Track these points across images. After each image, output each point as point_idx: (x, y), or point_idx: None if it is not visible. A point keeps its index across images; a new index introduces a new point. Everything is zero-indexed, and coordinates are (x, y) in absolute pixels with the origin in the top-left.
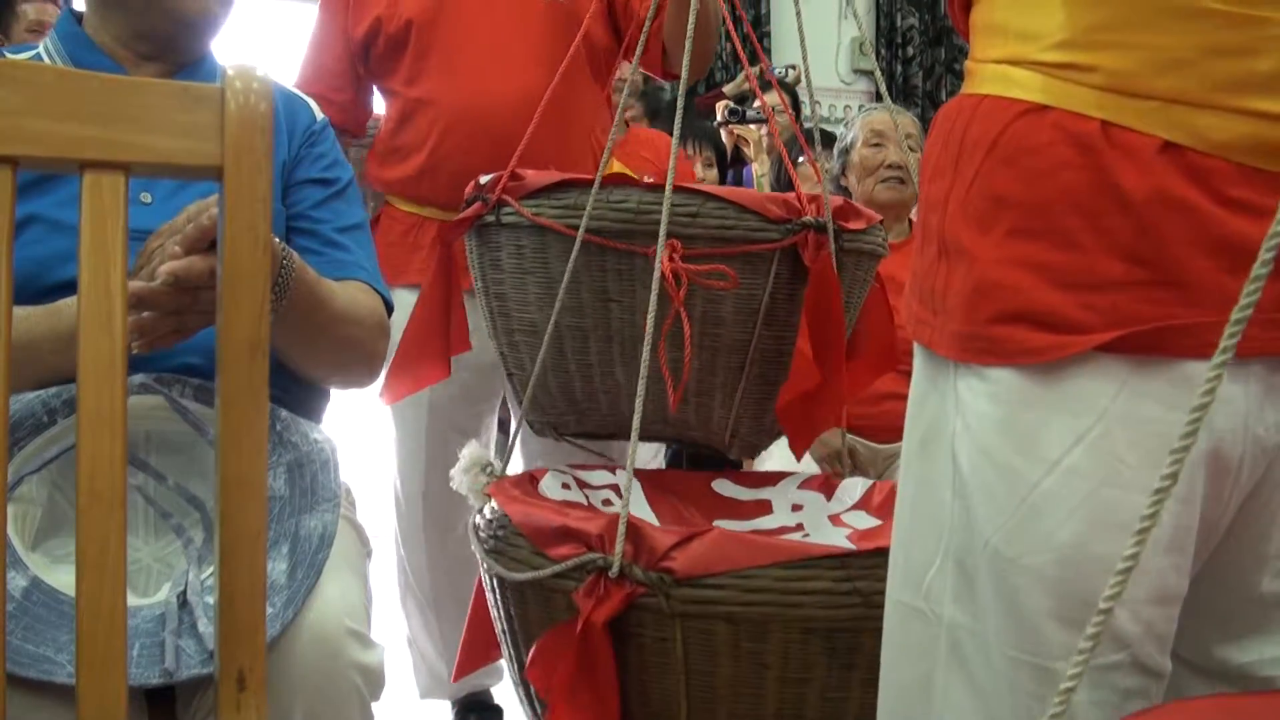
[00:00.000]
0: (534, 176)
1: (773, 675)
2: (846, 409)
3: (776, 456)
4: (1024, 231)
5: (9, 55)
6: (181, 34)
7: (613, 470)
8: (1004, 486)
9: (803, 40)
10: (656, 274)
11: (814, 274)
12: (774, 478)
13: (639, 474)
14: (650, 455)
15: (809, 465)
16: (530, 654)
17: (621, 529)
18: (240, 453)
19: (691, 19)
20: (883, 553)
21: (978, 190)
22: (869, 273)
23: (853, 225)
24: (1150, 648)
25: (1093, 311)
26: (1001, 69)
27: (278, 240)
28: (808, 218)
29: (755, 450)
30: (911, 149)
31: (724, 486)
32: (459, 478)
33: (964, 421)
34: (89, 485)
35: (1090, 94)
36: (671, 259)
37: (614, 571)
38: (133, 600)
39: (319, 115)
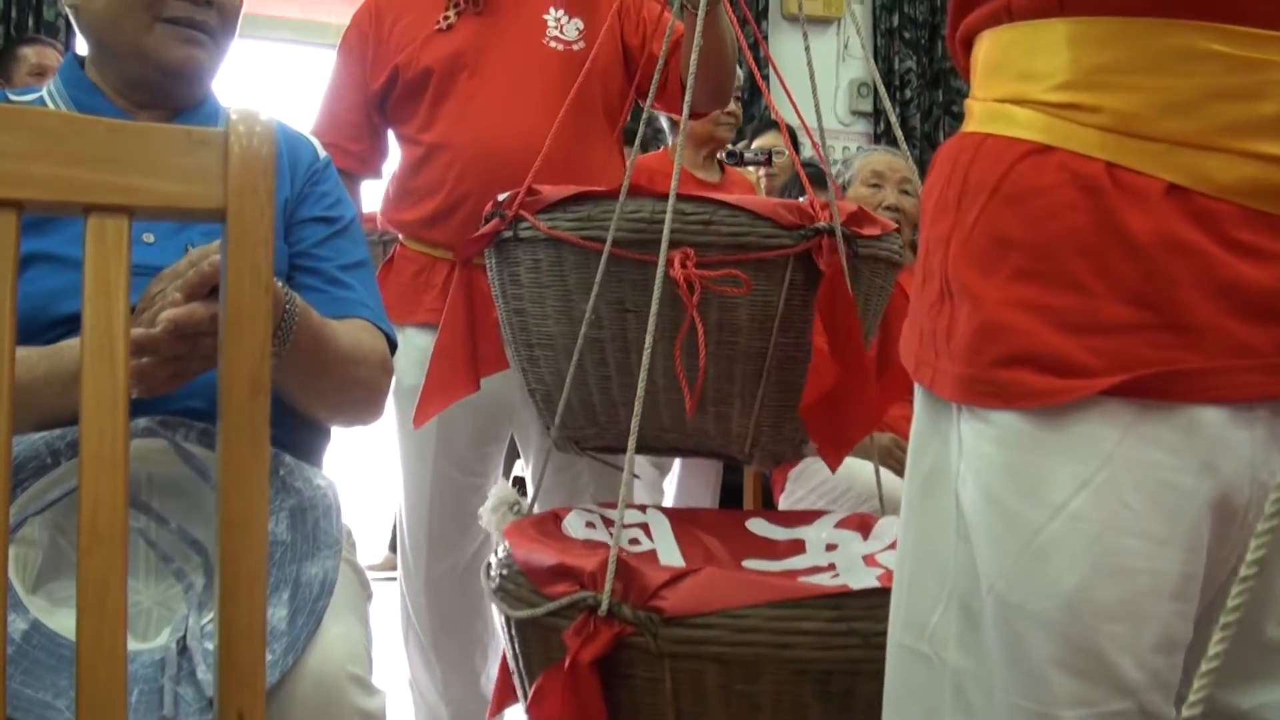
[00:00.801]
0: (550, 191)
1: (765, 718)
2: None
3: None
4: (1028, 273)
5: (12, 98)
6: (171, 83)
7: (643, 509)
8: (1007, 531)
9: (813, 78)
10: (659, 280)
11: (826, 278)
12: (810, 516)
13: (671, 512)
14: (651, 481)
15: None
16: (530, 693)
17: (611, 566)
18: (241, 493)
19: (695, 50)
20: (882, 593)
21: (981, 231)
22: (887, 280)
23: (867, 231)
24: (1156, 696)
25: (1098, 355)
26: (1004, 108)
27: (280, 284)
28: (821, 223)
29: (778, 460)
30: (906, 193)
31: (758, 525)
32: (487, 516)
33: (967, 464)
34: (91, 525)
35: (1094, 135)
36: (685, 266)
37: (603, 610)
38: (132, 645)
39: (321, 153)
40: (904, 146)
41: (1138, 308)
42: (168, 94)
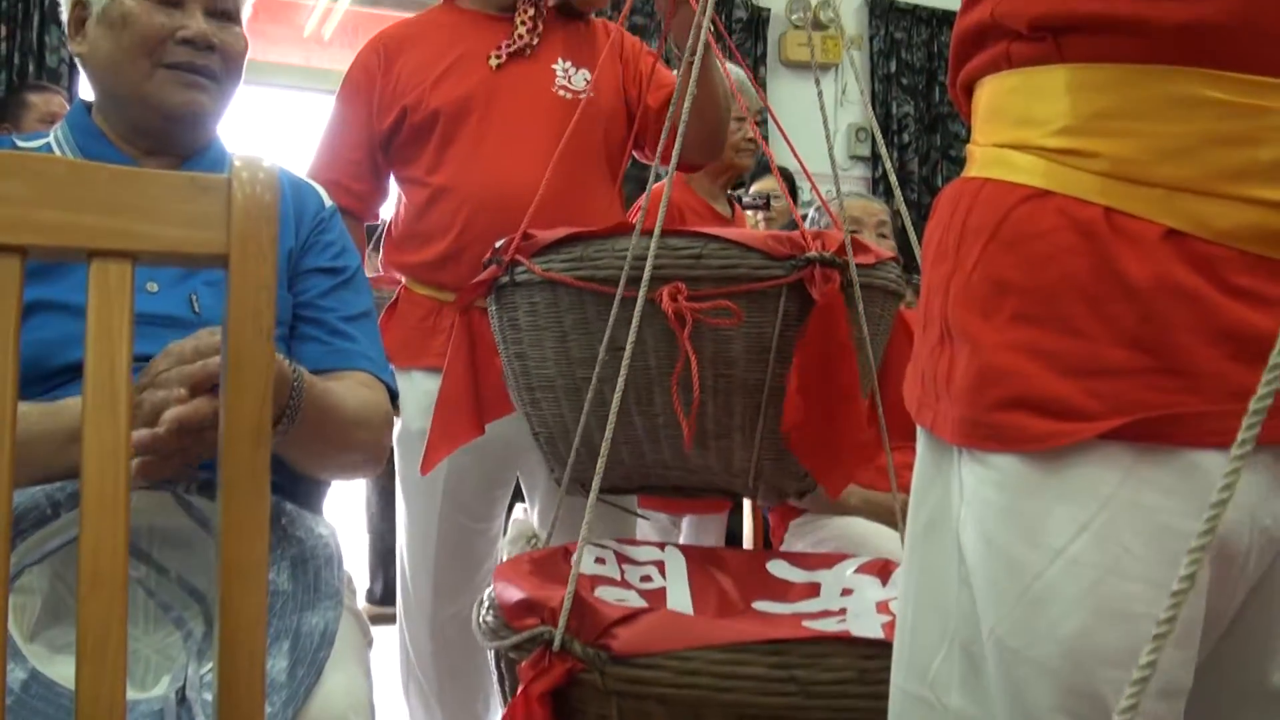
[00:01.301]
0: (544, 234)
1: None
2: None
3: None
4: (1027, 317)
5: (21, 144)
6: (173, 129)
7: (661, 546)
8: (1007, 576)
9: (826, 122)
10: (637, 314)
11: (819, 308)
12: (831, 560)
13: (690, 550)
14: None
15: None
16: None
17: (566, 603)
18: (241, 540)
19: (689, 98)
20: (825, 642)
21: (980, 275)
22: (886, 311)
23: (861, 259)
24: None
25: (1096, 398)
26: (1003, 153)
27: (287, 361)
28: (813, 253)
29: (782, 494)
30: (884, 235)
31: (778, 567)
32: (508, 549)
33: (968, 508)
34: (91, 571)
35: (1093, 180)
36: (675, 299)
37: (556, 645)
38: (131, 693)
39: (327, 202)
40: (898, 193)
41: (1136, 351)
42: (171, 139)
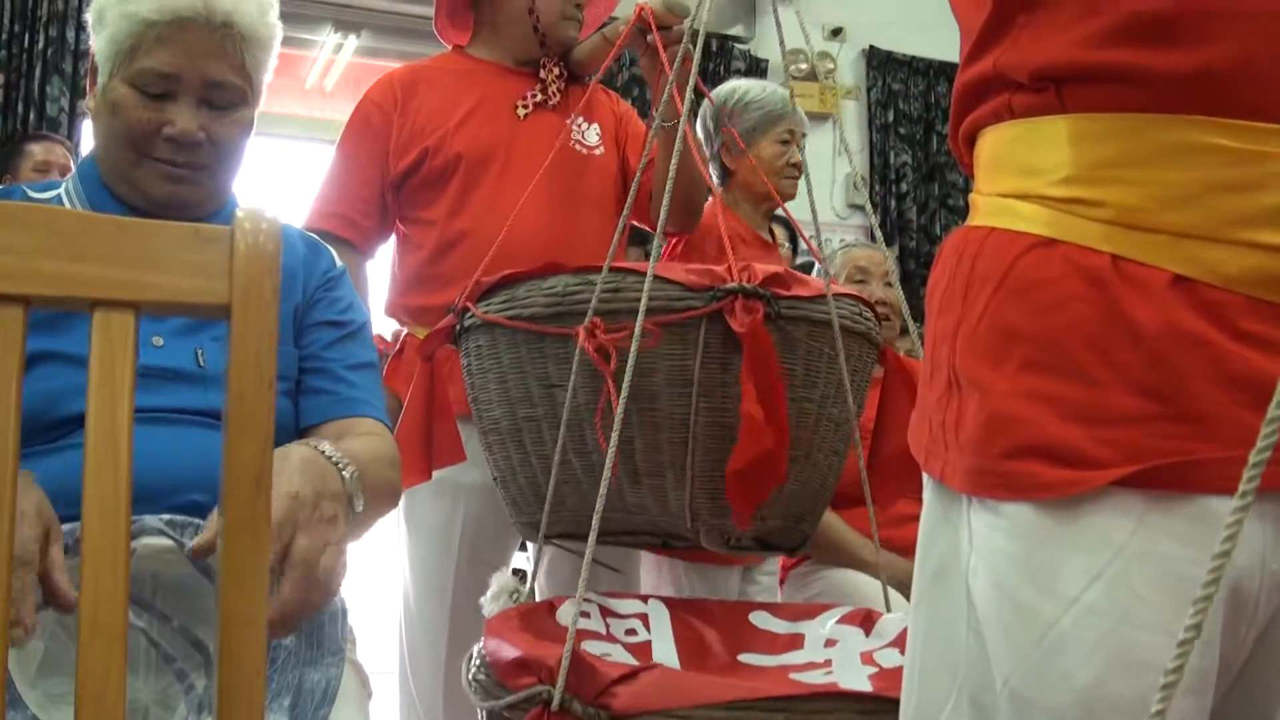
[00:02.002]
0: (487, 279)
1: None
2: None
3: None
4: (1036, 365)
5: (33, 195)
6: (161, 213)
7: (644, 599)
8: (1021, 625)
9: (808, 177)
10: (575, 356)
11: (744, 339)
12: (815, 610)
13: (673, 603)
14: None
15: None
16: None
17: (565, 661)
18: (241, 589)
19: (674, 161)
20: (824, 698)
21: (988, 323)
22: (826, 345)
23: (794, 291)
24: None
25: (1108, 446)
26: (1007, 202)
27: (331, 449)
28: (732, 284)
29: (725, 536)
30: (891, 284)
31: (761, 619)
32: (488, 605)
33: (979, 556)
34: (91, 619)
35: (1099, 228)
36: (594, 335)
37: (555, 704)
38: None
39: (338, 262)
40: (884, 248)
41: (1146, 398)
42: (165, 215)
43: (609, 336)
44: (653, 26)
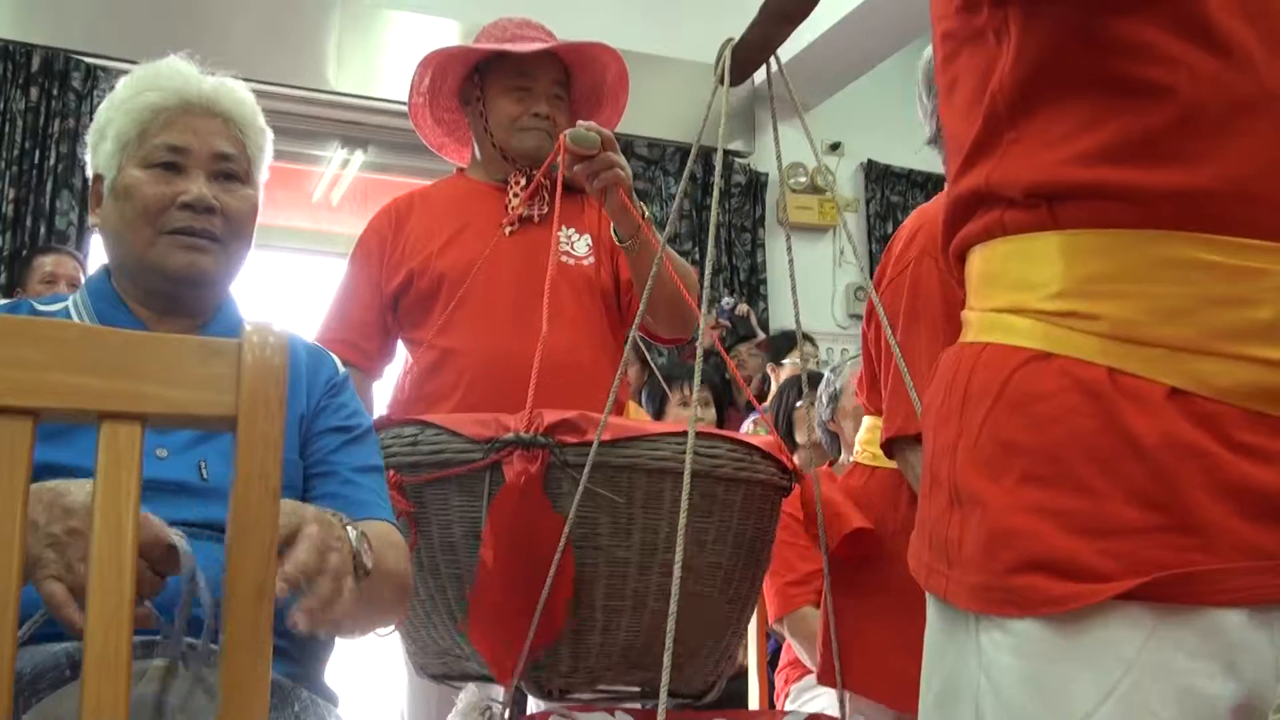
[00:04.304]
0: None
1: None
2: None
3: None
4: (1036, 478)
5: (40, 309)
6: (179, 289)
7: (611, 712)
8: None
9: (794, 289)
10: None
11: (505, 488)
12: (773, 717)
13: (638, 714)
14: None
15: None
16: None
17: None
18: (241, 700)
19: (651, 281)
20: None
21: (987, 437)
22: (655, 487)
23: (587, 437)
24: None
25: (1111, 558)
26: (1001, 317)
27: (342, 517)
28: (510, 435)
29: (539, 687)
30: None
31: None
32: None
33: (988, 677)
34: None
35: (1094, 341)
36: (397, 487)
37: None
38: None
39: (340, 369)
40: (899, 356)
41: (1148, 509)
42: (180, 301)
43: (395, 492)
44: (561, 160)
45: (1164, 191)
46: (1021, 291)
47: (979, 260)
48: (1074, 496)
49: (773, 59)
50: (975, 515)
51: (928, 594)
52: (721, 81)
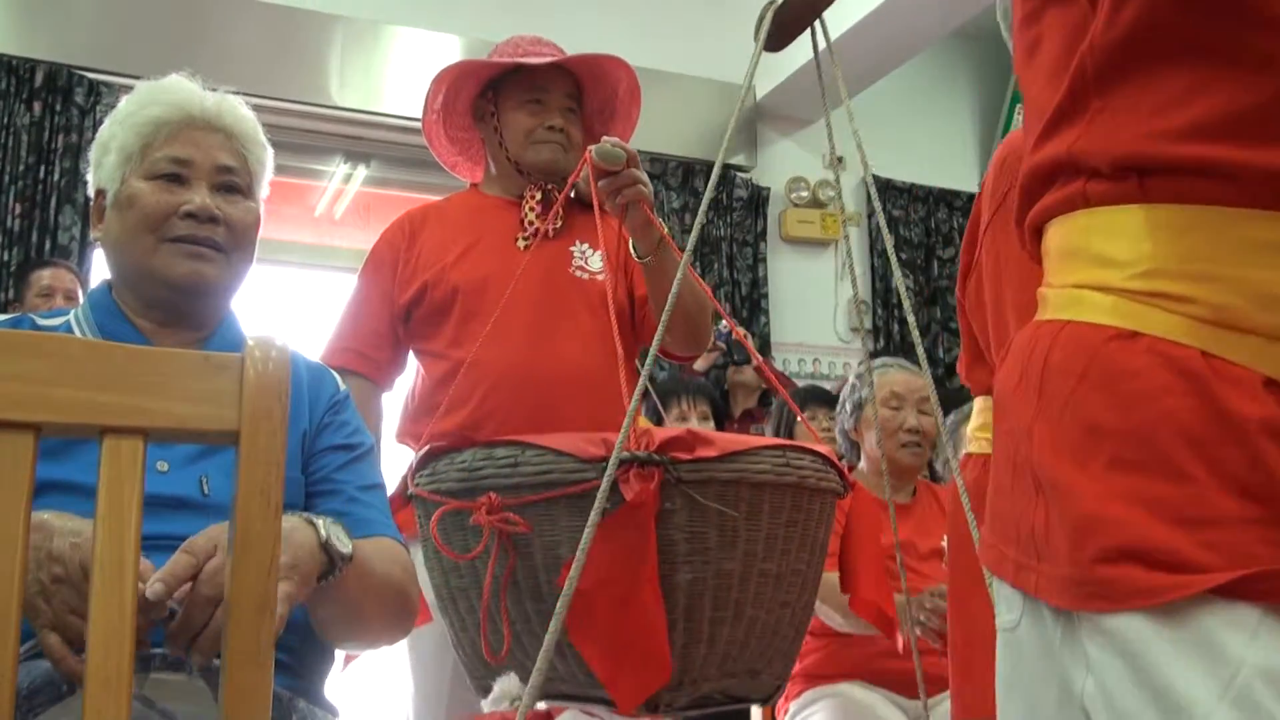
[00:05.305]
0: (439, 445)
1: None
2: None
3: None
4: (1126, 463)
5: (41, 323)
6: (181, 300)
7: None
8: None
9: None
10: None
11: (624, 509)
12: None
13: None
14: None
15: None
16: None
17: None
18: (245, 713)
19: (672, 298)
20: None
21: (1071, 419)
22: (743, 502)
23: (697, 454)
24: None
25: (1210, 549)
26: (1082, 294)
27: (325, 522)
28: (626, 453)
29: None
30: (925, 412)
31: None
32: (489, 705)
33: (1095, 680)
34: None
35: (1185, 323)
36: (490, 512)
37: None
38: None
39: (342, 386)
40: (925, 363)
41: (1247, 500)
42: (182, 311)
43: (490, 517)
44: (591, 175)
45: (1264, 169)
46: (1105, 268)
47: (1058, 234)
48: (1168, 482)
49: (817, 23)
50: (1059, 503)
51: (1011, 589)
52: (761, 43)
